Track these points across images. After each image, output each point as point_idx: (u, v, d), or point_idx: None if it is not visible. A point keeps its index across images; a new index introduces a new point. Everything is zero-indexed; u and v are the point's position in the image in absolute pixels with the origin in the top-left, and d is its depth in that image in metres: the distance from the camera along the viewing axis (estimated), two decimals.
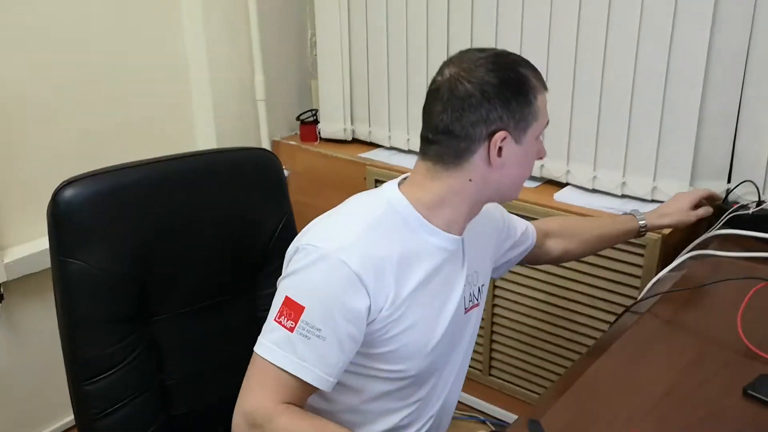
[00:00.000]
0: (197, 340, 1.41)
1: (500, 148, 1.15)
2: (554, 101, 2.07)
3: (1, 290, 2.06)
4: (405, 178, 1.25)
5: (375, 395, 1.24)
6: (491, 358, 2.36)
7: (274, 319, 1.11)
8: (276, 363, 1.09)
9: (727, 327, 1.34)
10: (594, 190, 2.13)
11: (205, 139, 2.56)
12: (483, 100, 1.13)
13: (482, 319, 2.23)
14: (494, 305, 2.28)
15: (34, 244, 2.07)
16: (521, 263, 1.60)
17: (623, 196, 2.06)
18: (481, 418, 2.45)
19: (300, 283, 1.12)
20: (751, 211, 1.76)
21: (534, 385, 2.29)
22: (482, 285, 1.37)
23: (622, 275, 1.96)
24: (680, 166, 1.94)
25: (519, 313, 2.24)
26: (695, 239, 1.76)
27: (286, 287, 1.13)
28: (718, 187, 1.92)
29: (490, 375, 2.39)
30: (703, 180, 1.93)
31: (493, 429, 2.40)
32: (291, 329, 1.09)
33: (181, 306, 1.39)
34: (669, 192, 1.96)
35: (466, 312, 1.31)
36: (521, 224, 1.54)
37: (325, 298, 1.10)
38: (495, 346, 2.33)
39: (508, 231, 1.48)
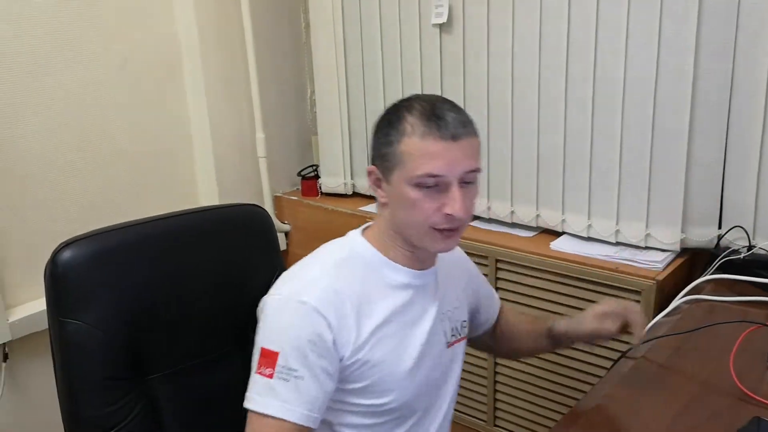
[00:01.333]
0: (195, 397, 1.42)
1: (377, 182, 1.24)
2: (547, 154, 2.16)
3: (6, 350, 2.08)
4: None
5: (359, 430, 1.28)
6: (495, 408, 2.38)
7: (256, 372, 1.16)
8: (263, 411, 1.13)
9: (720, 370, 1.37)
10: (589, 238, 2.16)
11: (207, 196, 2.61)
12: (372, 136, 1.25)
13: (484, 369, 2.30)
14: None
15: (38, 303, 2.09)
16: (475, 344, 1.63)
17: (618, 244, 2.10)
18: None
19: (269, 332, 1.17)
20: (742, 256, 1.80)
21: None
22: (464, 320, 1.42)
23: None
24: (671, 214, 1.98)
25: (517, 361, 2.25)
26: (689, 284, 1.80)
27: (259, 340, 1.18)
28: (709, 234, 1.96)
29: (495, 425, 2.39)
30: (694, 226, 1.97)
31: None
32: (270, 376, 1.14)
33: (178, 363, 1.39)
34: (662, 239, 2.01)
35: (449, 346, 1.36)
36: (492, 293, 1.60)
37: (294, 338, 1.14)
38: (499, 396, 2.34)
39: (480, 287, 1.54)
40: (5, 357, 2.08)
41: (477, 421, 2.43)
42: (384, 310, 1.23)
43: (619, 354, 1.55)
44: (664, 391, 1.36)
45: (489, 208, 2.37)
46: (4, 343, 2.06)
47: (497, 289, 2.22)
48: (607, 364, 1.98)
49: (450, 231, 1.20)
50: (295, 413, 1.13)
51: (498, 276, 2.21)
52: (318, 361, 1.15)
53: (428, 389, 1.33)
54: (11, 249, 2.08)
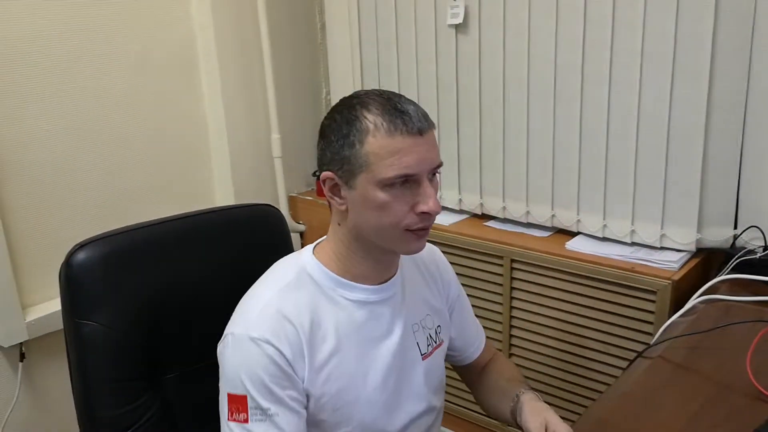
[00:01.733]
0: (209, 398, 1.37)
1: (335, 189, 1.14)
2: (563, 154, 2.16)
3: (22, 349, 2.09)
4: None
5: None
6: None
7: (229, 420, 1.11)
8: None
9: (737, 370, 1.37)
10: (604, 239, 2.16)
11: (223, 197, 2.63)
12: (319, 139, 1.16)
13: None
14: (510, 354, 2.31)
15: (54, 303, 2.10)
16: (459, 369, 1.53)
17: (633, 244, 2.10)
18: None
19: (231, 376, 1.11)
20: (758, 255, 1.80)
21: None
22: (438, 326, 1.35)
23: (634, 321, 1.98)
24: (687, 214, 1.98)
25: (533, 361, 2.26)
26: (705, 284, 1.80)
27: (223, 386, 1.13)
28: (725, 234, 1.96)
29: (509, 425, 2.39)
30: (709, 226, 1.97)
31: None
32: (246, 421, 1.10)
33: (193, 363, 1.38)
34: (677, 239, 2.00)
35: (426, 357, 1.30)
36: (476, 325, 1.50)
37: (255, 378, 1.09)
38: None
39: (463, 310, 1.45)
40: (22, 357, 2.09)
41: (491, 420, 2.43)
42: (338, 333, 1.17)
43: (635, 354, 1.54)
44: (680, 391, 1.36)
45: (504, 208, 2.37)
46: (20, 343, 2.07)
47: (513, 289, 2.23)
48: (623, 363, 1.98)
49: (424, 230, 1.15)
50: None
51: (513, 276, 2.22)
52: (285, 392, 1.10)
53: (404, 407, 1.27)
54: (28, 249, 2.10)
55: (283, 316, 1.12)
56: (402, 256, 1.29)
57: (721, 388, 1.35)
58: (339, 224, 1.19)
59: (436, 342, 1.34)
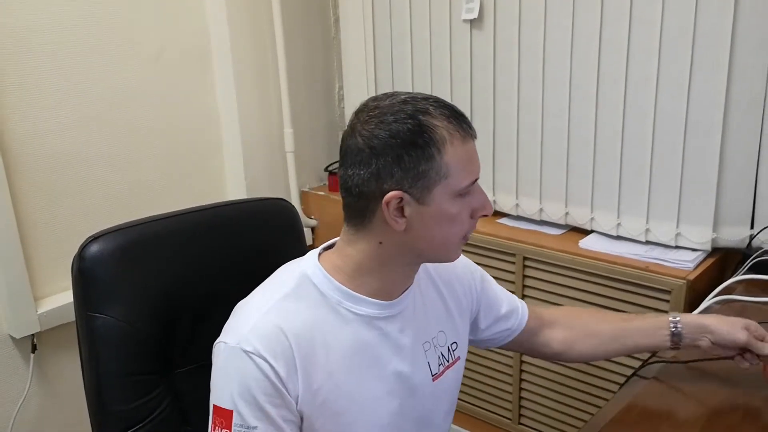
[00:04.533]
0: None
1: (401, 209, 1.04)
2: (577, 151, 2.14)
3: (34, 341, 2.10)
4: (333, 244, 1.18)
5: None
6: (521, 407, 2.37)
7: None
8: None
9: (752, 371, 1.35)
10: (619, 237, 2.15)
11: (235, 191, 2.62)
12: (372, 156, 1.02)
13: (510, 366, 2.29)
14: (522, 354, 2.29)
15: (67, 294, 2.09)
16: (510, 348, 1.44)
17: (647, 243, 2.09)
18: None
19: (219, 388, 1.05)
20: None
21: None
22: (453, 343, 1.26)
23: None
24: (703, 213, 1.96)
25: (544, 360, 2.24)
26: (720, 284, 1.78)
27: (211, 395, 1.07)
28: (741, 233, 1.94)
29: (520, 423, 2.39)
30: (726, 226, 1.95)
31: None
32: None
33: (205, 357, 1.33)
34: (693, 238, 1.99)
35: (436, 378, 1.21)
36: (508, 300, 1.39)
37: (246, 393, 1.02)
38: (524, 393, 2.34)
39: (486, 300, 1.35)
40: (34, 348, 2.10)
41: (502, 419, 2.43)
42: (339, 350, 1.08)
43: (648, 354, 1.53)
44: (695, 392, 1.35)
45: (518, 206, 2.36)
46: (32, 335, 2.08)
47: (525, 287, 2.22)
48: (636, 364, 1.97)
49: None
50: None
51: (525, 274, 2.21)
52: (276, 411, 1.03)
53: (408, 430, 1.20)
54: (40, 241, 2.10)
55: (280, 330, 1.04)
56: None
57: (738, 390, 1.34)
58: (381, 243, 1.09)
59: (448, 361, 1.25)
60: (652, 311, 1.95)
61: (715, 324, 1.29)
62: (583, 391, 2.19)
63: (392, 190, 1.03)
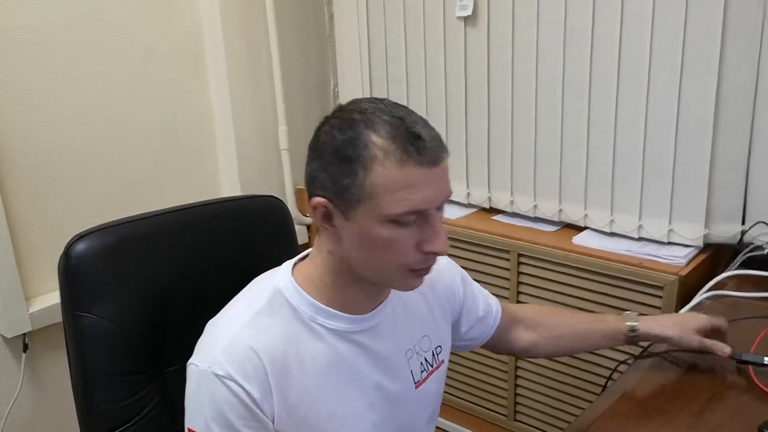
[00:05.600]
0: None
1: (327, 216, 1.01)
2: (571, 148, 2.14)
3: (26, 340, 2.09)
4: (309, 253, 1.13)
5: None
6: (516, 403, 2.37)
7: None
8: None
9: (741, 367, 1.36)
10: (612, 233, 2.15)
11: (230, 189, 2.62)
12: (311, 157, 1.01)
13: (505, 363, 2.29)
14: None
15: (58, 294, 2.08)
16: (485, 347, 1.41)
17: (640, 239, 2.08)
18: None
19: (194, 411, 1.02)
20: (766, 251, 1.79)
21: (560, 429, 2.29)
22: (438, 347, 1.23)
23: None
24: (694, 209, 1.96)
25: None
26: (712, 280, 1.78)
27: (186, 417, 1.04)
28: (733, 229, 1.94)
29: (516, 420, 2.39)
30: (717, 222, 1.95)
31: None
32: None
33: None
34: (685, 234, 1.99)
35: (419, 386, 1.18)
36: (484, 300, 1.37)
37: (219, 417, 0.98)
38: (519, 390, 2.34)
39: (467, 303, 1.33)
40: (25, 348, 2.09)
41: (497, 415, 2.43)
42: (315, 367, 1.05)
43: (641, 349, 1.53)
44: (684, 388, 1.35)
45: (512, 202, 2.36)
46: (24, 334, 2.07)
47: (519, 283, 2.22)
48: (629, 359, 1.97)
49: (428, 269, 1.03)
50: None
51: (520, 270, 2.21)
52: None
53: None
54: (31, 240, 2.09)
55: (252, 350, 0.99)
56: None
57: (726, 386, 1.34)
58: (330, 252, 1.05)
59: (432, 365, 1.22)
60: (645, 307, 1.95)
61: (668, 331, 1.30)
62: (578, 387, 2.18)
63: (319, 196, 1.00)
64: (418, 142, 0.94)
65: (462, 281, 1.33)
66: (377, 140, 0.94)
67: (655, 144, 1.99)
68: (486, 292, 1.39)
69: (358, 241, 0.99)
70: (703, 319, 1.36)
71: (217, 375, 0.98)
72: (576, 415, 2.20)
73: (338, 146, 0.96)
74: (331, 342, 1.07)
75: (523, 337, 1.41)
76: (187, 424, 1.03)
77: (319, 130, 1.02)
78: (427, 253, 0.99)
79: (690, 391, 1.33)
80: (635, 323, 1.34)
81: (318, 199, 1.00)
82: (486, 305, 1.37)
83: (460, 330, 1.34)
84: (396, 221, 0.95)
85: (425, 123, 0.98)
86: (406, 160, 0.93)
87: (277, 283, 1.08)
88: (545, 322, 1.42)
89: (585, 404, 2.17)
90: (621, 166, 2.08)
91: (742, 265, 1.79)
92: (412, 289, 1.09)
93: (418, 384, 1.18)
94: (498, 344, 1.41)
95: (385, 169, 0.93)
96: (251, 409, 0.99)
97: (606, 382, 1.78)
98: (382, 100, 1.00)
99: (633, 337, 1.36)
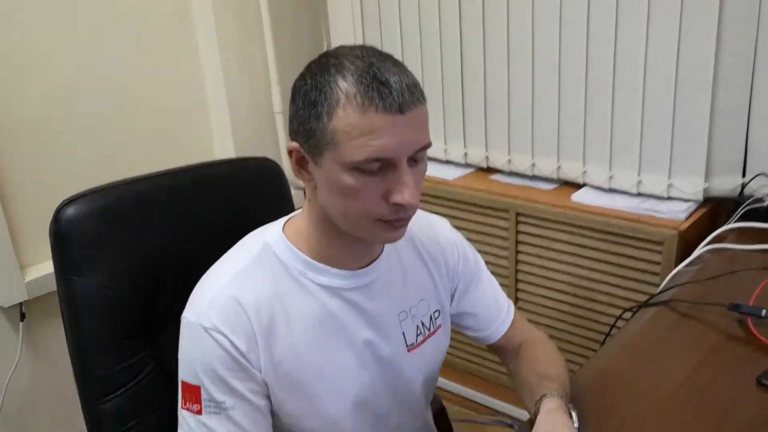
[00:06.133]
0: None
1: (302, 162, 1.00)
2: (568, 103, 2.11)
3: (23, 309, 2.08)
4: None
5: None
6: None
7: (182, 408, 1.04)
8: None
9: (741, 318, 1.36)
10: (611, 190, 2.13)
11: (224, 152, 2.59)
12: (290, 102, 1.00)
13: None
14: (518, 303, 2.29)
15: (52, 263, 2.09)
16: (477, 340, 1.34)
17: (639, 195, 2.07)
18: (509, 422, 2.45)
19: (185, 363, 1.04)
20: (766, 203, 1.77)
21: None
22: (436, 311, 1.22)
23: (641, 272, 1.96)
24: (694, 163, 1.94)
25: (540, 315, 2.25)
26: (711, 233, 1.77)
27: (179, 370, 1.05)
28: (733, 182, 1.92)
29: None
30: (717, 175, 1.93)
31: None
32: (199, 412, 1.02)
33: None
34: (684, 189, 1.97)
35: (412, 349, 1.17)
36: (488, 310, 1.30)
37: (209, 370, 1.00)
38: None
39: (468, 296, 1.28)
40: (22, 317, 2.09)
41: (496, 373, 2.43)
42: (303, 322, 1.05)
43: (645, 298, 1.53)
44: (683, 340, 1.35)
45: (510, 161, 2.33)
46: (20, 303, 2.07)
47: (518, 243, 2.20)
48: (629, 315, 1.96)
49: (400, 221, 0.99)
50: None
51: (519, 230, 2.19)
52: (242, 385, 1.01)
53: (381, 402, 1.16)
54: (25, 208, 2.07)
55: (238, 303, 1.01)
56: None
57: (724, 337, 1.34)
58: (310, 200, 1.05)
59: (429, 329, 1.20)
60: (644, 263, 1.95)
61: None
62: (575, 344, 2.19)
63: (292, 141, 1.00)
64: (382, 88, 0.91)
65: (475, 266, 1.29)
66: (342, 84, 0.92)
67: (654, 97, 1.96)
68: (501, 306, 1.32)
69: (327, 189, 0.97)
70: None
71: (204, 327, 1.00)
72: (581, 364, 2.21)
73: (307, 90, 0.95)
74: (320, 298, 1.06)
75: (508, 361, 1.33)
76: (180, 377, 1.05)
77: (298, 76, 1.00)
78: (394, 204, 0.95)
79: (690, 342, 1.34)
80: (535, 407, 1.11)
81: (291, 143, 1.00)
82: (498, 308, 1.32)
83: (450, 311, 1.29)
84: (359, 169, 0.93)
85: (400, 70, 0.95)
86: (368, 105, 0.90)
87: (267, 237, 1.08)
88: (522, 362, 1.28)
89: (589, 353, 2.17)
90: (620, 121, 2.05)
91: (742, 218, 1.77)
92: (389, 242, 1.08)
93: (411, 347, 1.17)
94: (493, 350, 1.36)
95: (346, 113, 0.91)
96: (238, 361, 1.00)
97: (609, 331, 1.79)
98: (365, 47, 0.98)
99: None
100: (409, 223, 1.02)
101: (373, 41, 2.57)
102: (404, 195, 0.94)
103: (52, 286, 2.02)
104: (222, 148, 2.59)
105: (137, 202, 1.31)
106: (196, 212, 1.38)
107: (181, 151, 2.47)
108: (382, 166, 0.93)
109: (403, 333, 1.16)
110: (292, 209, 1.49)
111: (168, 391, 1.29)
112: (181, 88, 2.46)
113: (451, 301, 1.27)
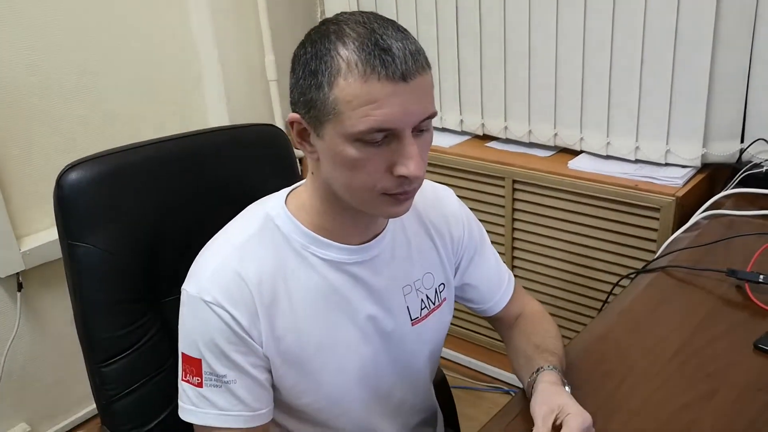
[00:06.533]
0: None
1: (303, 134, 0.97)
2: (566, 69, 2.09)
3: (20, 279, 2.09)
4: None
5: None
6: None
7: (182, 380, 1.04)
8: (203, 423, 1.02)
9: (738, 284, 1.36)
10: (608, 157, 2.12)
11: (218, 121, 2.57)
12: (291, 72, 0.96)
13: None
14: (514, 271, 2.29)
15: (50, 232, 2.09)
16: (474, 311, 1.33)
17: (637, 161, 2.06)
18: (506, 388, 2.47)
19: (186, 336, 1.03)
20: (764, 169, 1.77)
21: None
22: (441, 284, 1.19)
23: (638, 239, 1.96)
24: (693, 129, 1.93)
25: (537, 282, 2.26)
26: (709, 199, 1.76)
27: (180, 342, 1.04)
28: (732, 147, 1.91)
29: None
30: (716, 140, 1.92)
31: None
32: (199, 385, 1.01)
33: None
34: (682, 154, 1.96)
35: (416, 323, 1.15)
36: (489, 284, 1.29)
37: (210, 343, 0.99)
38: None
39: (471, 269, 1.26)
40: (20, 287, 2.09)
41: (492, 341, 2.44)
42: (305, 297, 1.03)
43: (642, 264, 1.53)
44: (681, 305, 1.35)
45: (506, 128, 2.32)
46: (17, 273, 2.07)
47: (514, 210, 2.20)
48: (626, 282, 1.96)
49: (405, 194, 0.96)
50: (238, 419, 1.01)
51: (515, 197, 2.19)
52: (244, 359, 1.00)
53: (382, 377, 1.15)
54: (20, 178, 2.07)
55: (239, 277, 0.99)
56: None
57: (722, 302, 1.34)
58: (313, 173, 1.02)
59: (434, 303, 1.18)
60: (641, 229, 1.95)
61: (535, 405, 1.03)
62: (572, 311, 2.20)
63: (293, 112, 0.96)
64: (385, 55, 0.87)
65: (479, 239, 1.27)
66: (343, 52, 0.88)
67: (653, 62, 1.95)
68: (503, 280, 1.30)
69: (330, 161, 0.94)
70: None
71: (205, 301, 0.99)
72: (578, 332, 2.22)
73: (307, 59, 0.91)
74: (323, 272, 1.04)
75: (503, 334, 1.32)
76: (181, 349, 1.04)
77: (298, 45, 0.96)
78: (399, 176, 0.92)
79: (687, 307, 1.34)
80: (530, 379, 1.11)
81: (292, 114, 0.96)
82: (499, 280, 1.30)
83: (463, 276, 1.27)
84: (362, 140, 0.89)
85: (403, 36, 0.91)
86: (370, 73, 0.86)
87: (269, 209, 1.06)
88: (518, 334, 1.27)
89: (586, 320, 2.18)
90: (617, 87, 2.04)
91: (740, 184, 1.77)
92: (394, 217, 1.04)
93: (415, 321, 1.15)
94: (490, 320, 1.35)
95: (347, 82, 0.87)
96: (240, 335, 0.99)
97: (606, 298, 1.79)
98: (367, 13, 0.94)
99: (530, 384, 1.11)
100: (415, 195, 1.00)
101: (367, 6, 2.54)
102: (409, 167, 0.90)
103: (49, 255, 2.06)
104: (216, 116, 2.57)
105: (139, 167, 1.30)
106: (199, 178, 1.37)
107: (175, 121, 2.45)
108: (386, 137, 0.90)
109: (408, 307, 1.14)
110: (297, 172, 1.48)
111: (170, 355, 1.30)
112: (174, 56, 2.43)
113: (455, 273, 1.24)
